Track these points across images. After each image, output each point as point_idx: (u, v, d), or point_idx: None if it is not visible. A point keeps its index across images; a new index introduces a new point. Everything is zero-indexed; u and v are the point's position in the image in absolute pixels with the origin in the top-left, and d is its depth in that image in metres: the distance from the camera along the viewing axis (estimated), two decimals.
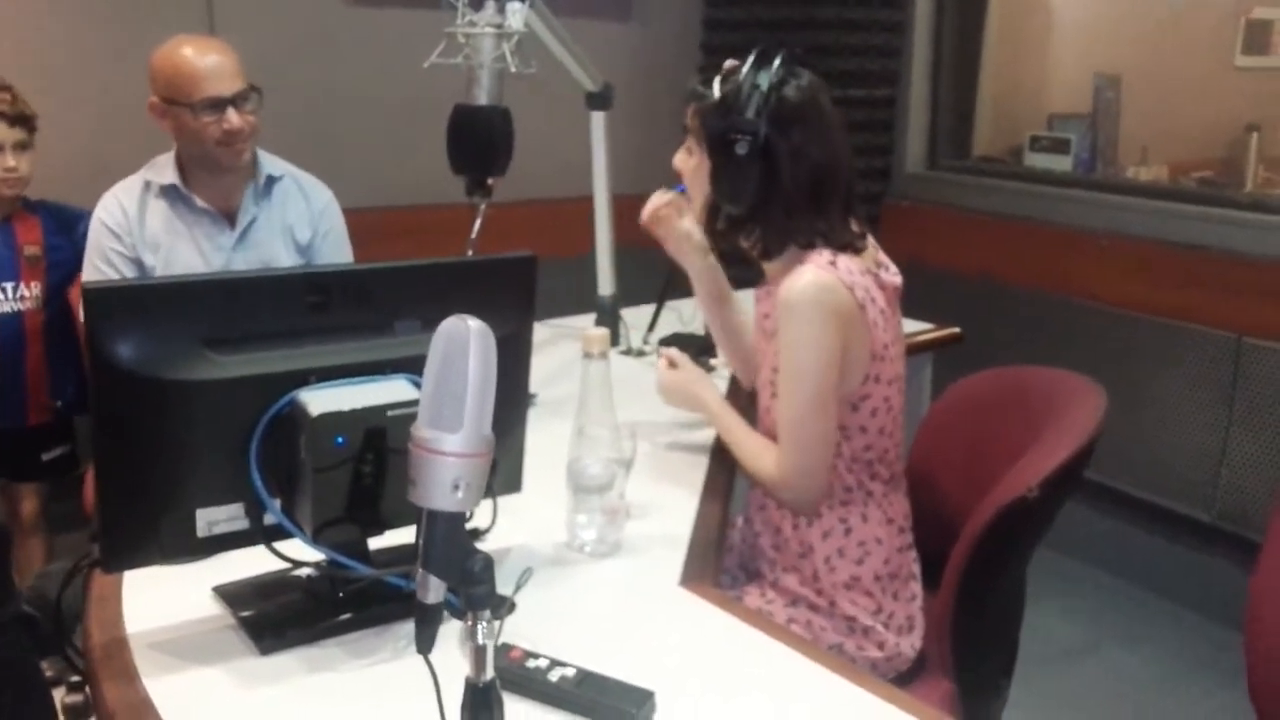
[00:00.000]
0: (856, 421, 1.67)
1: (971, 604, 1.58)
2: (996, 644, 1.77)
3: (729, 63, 1.67)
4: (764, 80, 1.60)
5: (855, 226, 1.68)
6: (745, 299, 2.06)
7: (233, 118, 2.12)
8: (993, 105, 4.15)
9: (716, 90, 1.64)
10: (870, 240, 1.72)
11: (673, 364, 1.90)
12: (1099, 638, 3.06)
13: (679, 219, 1.89)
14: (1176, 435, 3.15)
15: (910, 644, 1.70)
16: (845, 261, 1.62)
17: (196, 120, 2.11)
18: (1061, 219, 3.51)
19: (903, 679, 1.70)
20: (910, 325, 2.72)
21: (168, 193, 2.22)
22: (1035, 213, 3.59)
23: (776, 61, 1.61)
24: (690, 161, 1.73)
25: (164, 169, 2.23)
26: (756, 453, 1.70)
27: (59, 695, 2.29)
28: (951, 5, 3.99)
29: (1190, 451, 3.12)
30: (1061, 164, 3.73)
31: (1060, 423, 1.69)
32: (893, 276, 1.72)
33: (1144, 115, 3.82)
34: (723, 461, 1.87)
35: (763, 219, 1.65)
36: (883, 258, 1.73)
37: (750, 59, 1.62)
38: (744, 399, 2.20)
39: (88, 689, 2.34)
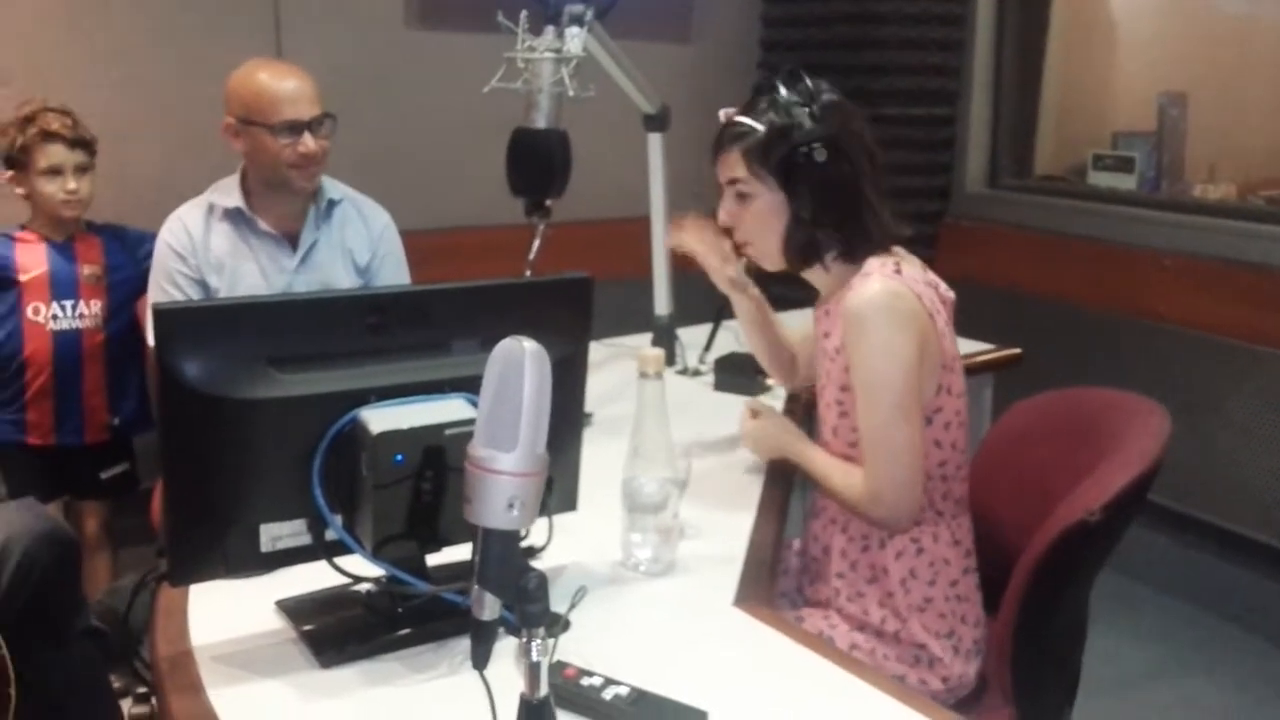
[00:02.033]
0: (931, 436, 1.65)
1: (1032, 629, 1.56)
2: (1058, 669, 1.74)
3: (726, 111, 1.70)
4: (800, 95, 1.62)
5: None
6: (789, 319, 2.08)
7: (309, 141, 2.17)
8: (1054, 123, 4.10)
9: (755, 124, 1.64)
10: (917, 260, 1.71)
11: (755, 414, 1.89)
12: (1165, 664, 2.99)
13: (720, 261, 1.91)
14: (1245, 458, 3.08)
15: (974, 669, 1.68)
16: (908, 270, 1.63)
17: (274, 142, 2.16)
18: (1126, 238, 3.45)
19: (963, 704, 1.68)
20: (970, 346, 2.70)
21: (231, 215, 2.27)
22: (1098, 232, 3.54)
23: (805, 77, 1.64)
24: (751, 206, 1.69)
25: (228, 192, 2.28)
26: (844, 477, 1.67)
27: (126, 706, 2.34)
28: (1012, 22, 3.96)
29: (1260, 475, 3.05)
30: (1126, 182, 3.68)
31: (1123, 445, 1.66)
32: (947, 292, 1.72)
33: (1211, 133, 3.75)
34: (777, 482, 1.87)
35: (850, 222, 1.65)
36: (933, 276, 1.72)
37: (778, 83, 1.64)
38: (800, 410, 2.21)
39: (154, 701, 2.40)
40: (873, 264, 1.64)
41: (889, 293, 1.58)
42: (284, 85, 2.17)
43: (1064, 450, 1.81)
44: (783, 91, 1.63)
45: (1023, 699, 1.59)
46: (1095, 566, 1.68)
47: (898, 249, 1.70)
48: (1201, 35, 3.89)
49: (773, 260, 1.73)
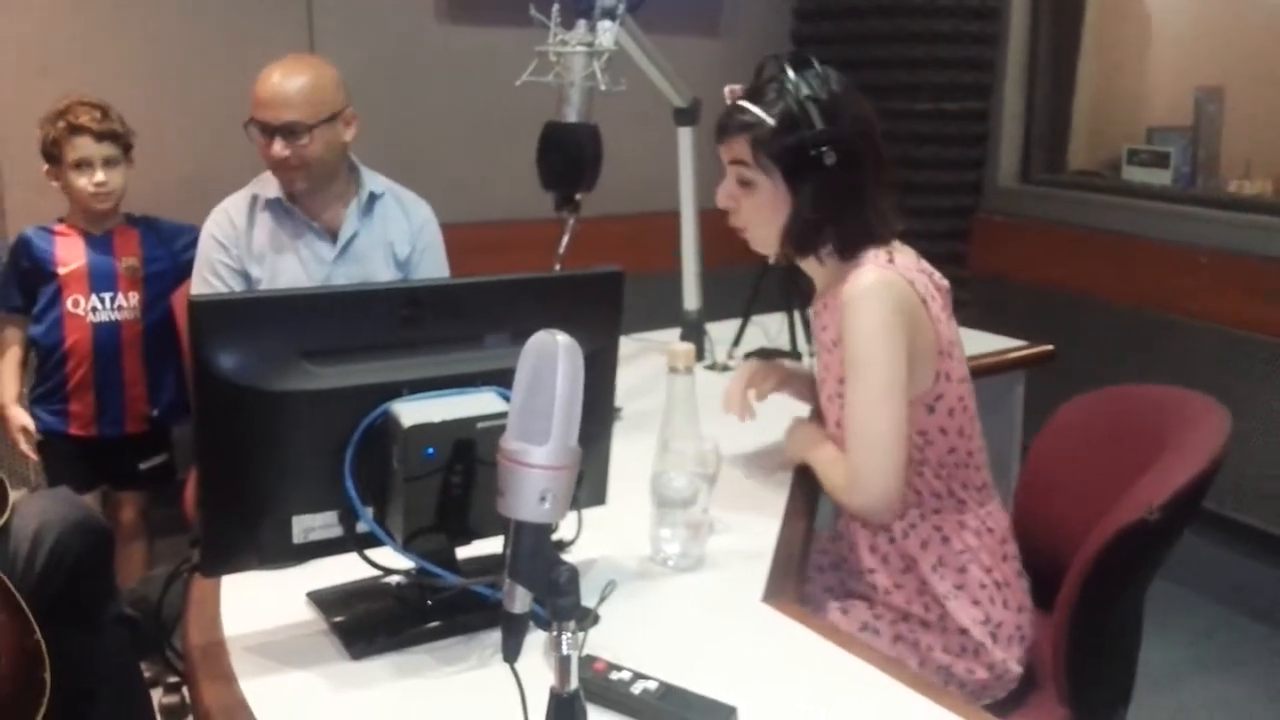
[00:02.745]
0: (935, 424, 1.64)
1: (1086, 629, 1.53)
2: (1113, 670, 1.71)
3: (731, 88, 1.67)
4: (811, 86, 1.59)
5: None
6: None
7: (277, 146, 2.18)
8: (1089, 118, 4.06)
9: (765, 115, 1.61)
10: (911, 250, 1.70)
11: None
12: (1197, 664, 2.96)
13: (773, 381, 1.91)
14: (1277, 456, 3.04)
15: (1017, 658, 1.66)
16: (901, 259, 1.62)
17: (257, 139, 2.20)
18: (1161, 234, 3.42)
19: (1013, 699, 1.66)
20: (1001, 342, 2.68)
21: (273, 207, 2.29)
22: (1133, 228, 3.50)
23: (815, 65, 1.60)
24: (757, 193, 1.65)
25: (270, 184, 2.30)
26: (831, 468, 1.66)
27: (156, 696, 2.37)
28: (1046, 16, 3.92)
29: None
30: (1161, 178, 3.64)
31: (1182, 443, 1.62)
32: (942, 280, 1.70)
33: (1248, 128, 3.70)
34: (806, 478, 1.86)
35: (850, 219, 1.63)
36: (927, 265, 1.70)
37: (788, 71, 1.60)
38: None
39: (184, 691, 2.42)
40: (867, 255, 1.62)
41: (881, 281, 1.57)
42: (265, 86, 2.19)
43: (1118, 448, 1.77)
44: (792, 80, 1.60)
45: (1078, 700, 1.56)
46: (1153, 566, 1.64)
47: (894, 241, 1.68)
48: (1239, 29, 3.84)
49: (768, 248, 1.71)
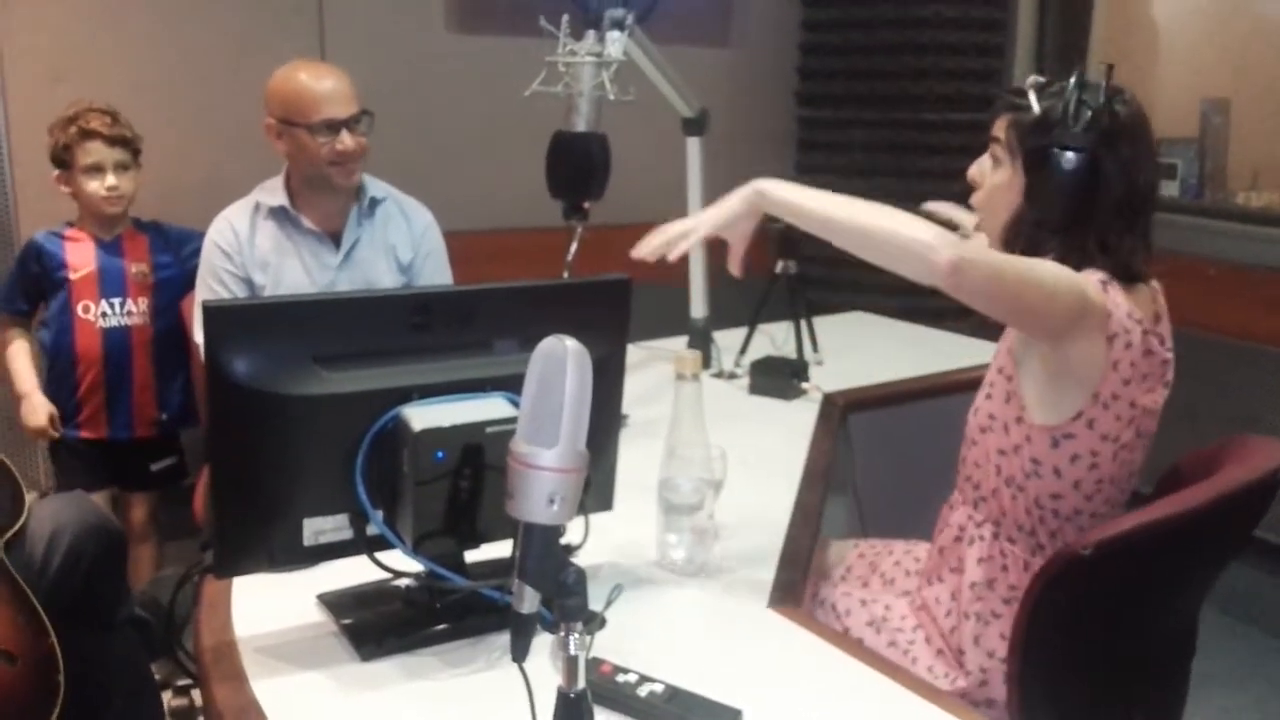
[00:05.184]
0: (1051, 460, 1.55)
1: (1037, 669, 1.45)
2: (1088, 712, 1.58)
3: (1034, 78, 1.62)
4: (1091, 96, 1.54)
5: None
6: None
7: (346, 139, 2.21)
8: None
9: (1036, 104, 1.57)
10: (1163, 305, 1.61)
11: None
12: (1206, 675, 2.95)
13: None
14: None
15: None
16: (1116, 294, 1.52)
17: (313, 141, 2.20)
18: (1168, 245, 3.39)
19: None
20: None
21: (276, 214, 2.31)
22: None
23: (1112, 81, 1.55)
24: (998, 174, 1.63)
25: (273, 191, 2.32)
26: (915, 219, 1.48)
27: (166, 698, 2.38)
28: (1053, 28, 3.94)
29: None
30: (1168, 189, 3.65)
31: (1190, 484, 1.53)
32: (1161, 348, 1.57)
33: (1254, 139, 3.71)
34: (814, 484, 1.87)
35: (1074, 237, 1.56)
36: (1164, 329, 1.59)
37: (1075, 76, 1.56)
38: (837, 412, 2.20)
39: (193, 694, 2.44)
40: (1087, 272, 1.54)
41: (1085, 280, 1.50)
42: (321, 85, 2.21)
43: None
44: (1070, 85, 1.55)
45: None
46: (1095, 607, 1.49)
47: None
48: (1245, 41, 3.86)
49: (992, 238, 1.67)
